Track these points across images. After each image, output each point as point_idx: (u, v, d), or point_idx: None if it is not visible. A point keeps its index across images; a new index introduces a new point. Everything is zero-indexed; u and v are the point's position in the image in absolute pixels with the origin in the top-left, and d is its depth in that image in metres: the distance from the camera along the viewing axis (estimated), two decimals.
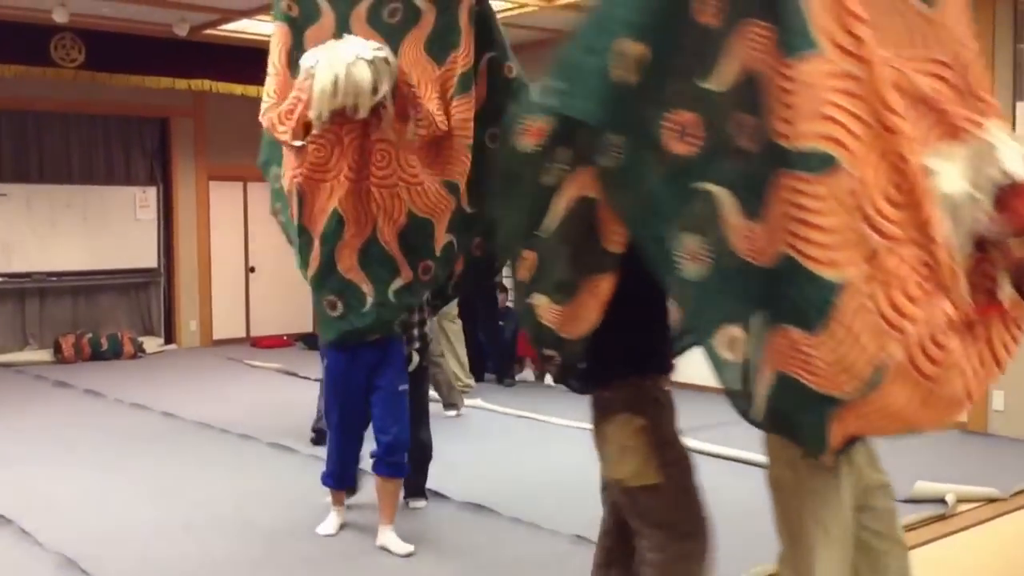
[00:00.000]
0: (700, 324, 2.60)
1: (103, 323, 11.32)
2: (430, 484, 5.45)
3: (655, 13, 2.44)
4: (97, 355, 10.76)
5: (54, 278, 10.96)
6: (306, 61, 4.41)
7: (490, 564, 4.60)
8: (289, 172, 4.54)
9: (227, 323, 11.91)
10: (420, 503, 5.31)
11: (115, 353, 10.85)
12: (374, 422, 4.73)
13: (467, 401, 8.17)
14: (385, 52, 4.39)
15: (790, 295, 2.35)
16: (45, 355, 10.73)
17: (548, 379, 9.20)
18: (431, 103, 4.45)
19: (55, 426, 7.53)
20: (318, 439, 6.30)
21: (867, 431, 2.61)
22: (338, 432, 4.81)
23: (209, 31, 9.44)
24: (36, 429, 7.42)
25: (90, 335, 10.88)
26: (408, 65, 4.50)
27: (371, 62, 4.29)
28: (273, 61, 4.72)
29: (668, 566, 3.09)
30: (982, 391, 2.53)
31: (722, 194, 2.44)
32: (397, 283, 4.57)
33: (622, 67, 2.43)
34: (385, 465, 4.71)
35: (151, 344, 11.41)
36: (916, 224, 2.39)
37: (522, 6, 8.42)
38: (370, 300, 4.54)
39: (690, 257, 2.49)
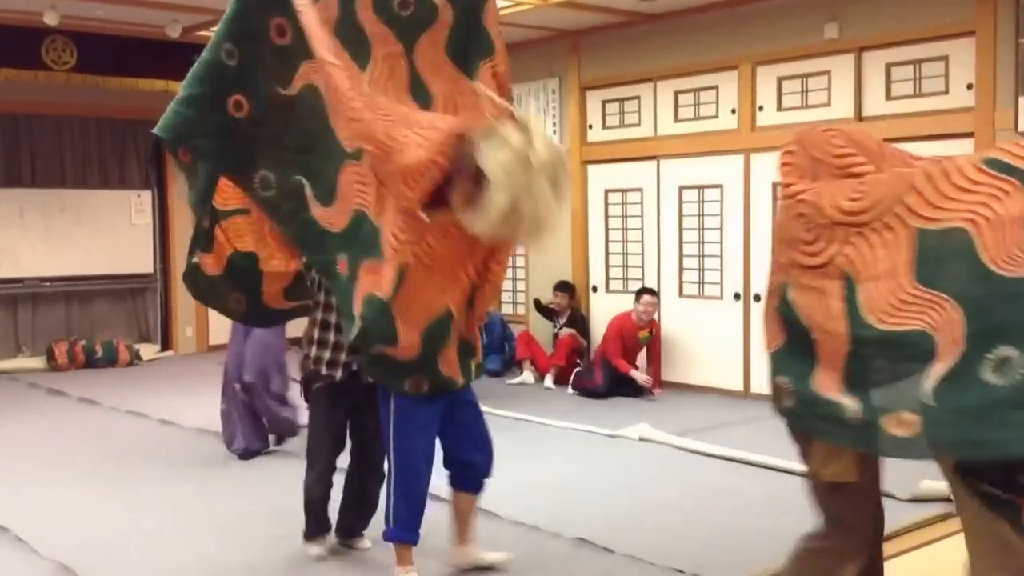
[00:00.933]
0: None
1: (98, 330, 11.27)
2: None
3: None
4: (92, 362, 10.69)
5: (47, 284, 10.91)
6: (490, 151, 3.70)
7: (492, 567, 4.56)
8: (395, 242, 3.91)
9: (223, 328, 11.74)
10: (364, 544, 4.87)
11: (110, 360, 10.78)
12: (466, 439, 4.45)
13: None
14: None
15: None
16: (38, 362, 10.67)
17: (548, 382, 9.16)
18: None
19: (51, 434, 7.49)
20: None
21: None
22: (423, 475, 4.34)
23: (202, 32, 9.36)
24: (31, 438, 7.37)
25: (84, 342, 10.81)
26: (428, 71, 4.11)
27: (559, 187, 3.79)
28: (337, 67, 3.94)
29: (823, 557, 3.20)
30: None
31: None
32: (473, 363, 4.40)
33: None
34: (481, 481, 4.56)
35: (148, 351, 11.36)
36: None
37: (518, 4, 8.36)
38: (459, 383, 4.32)
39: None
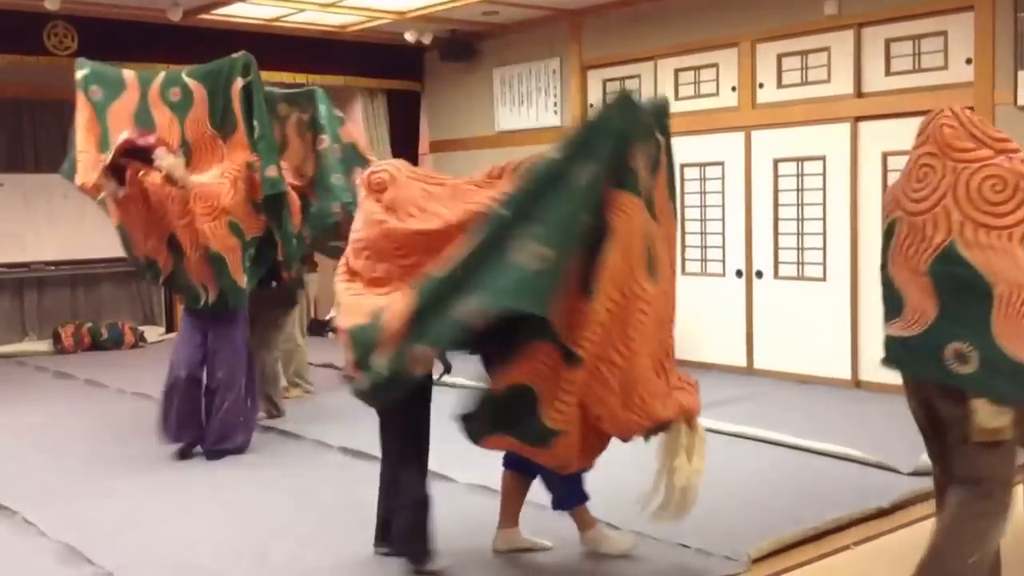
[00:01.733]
0: None
1: (103, 312, 11.31)
2: (437, 467, 5.20)
3: None
4: (97, 345, 10.74)
5: (52, 268, 10.93)
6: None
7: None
8: (563, 407, 4.00)
9: None
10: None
11: (116, 343, 10.83)
12: None
13: (473, 381, 8.07)
14: None
15: None
16: (44, 346, 10.71)
17: None
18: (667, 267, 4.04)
19: (58, 417, 7.50)
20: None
21: None
22: None
23: (203, 16, 9.36)
24: (38, 420, 7.39)
25: (90, 325, 10.86)
26: (662, 222, 3.97)
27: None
28: None
29: (972, 519, 3.30)
30: None
31: None
32: None
33: None
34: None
35: (152, 333, 11.39)
36: None
37: None
38: None
39: None
